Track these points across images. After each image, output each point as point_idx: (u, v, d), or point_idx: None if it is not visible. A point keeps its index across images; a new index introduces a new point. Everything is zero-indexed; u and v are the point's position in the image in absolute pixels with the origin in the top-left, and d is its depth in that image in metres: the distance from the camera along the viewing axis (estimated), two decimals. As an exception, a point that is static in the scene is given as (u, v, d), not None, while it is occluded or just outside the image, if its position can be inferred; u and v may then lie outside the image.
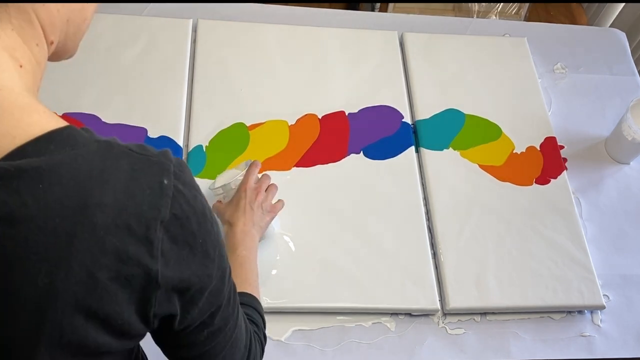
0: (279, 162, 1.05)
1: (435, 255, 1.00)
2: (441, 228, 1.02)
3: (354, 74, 1.18)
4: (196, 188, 0.47)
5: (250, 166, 0.92)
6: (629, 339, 0.99)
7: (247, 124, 1.08)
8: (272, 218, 0.91)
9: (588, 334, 0.98)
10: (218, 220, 0.90)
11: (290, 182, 1.02)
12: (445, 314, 0.96)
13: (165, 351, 0.56)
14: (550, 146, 1.15)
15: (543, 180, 1.11)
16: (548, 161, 1.13)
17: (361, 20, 1.29)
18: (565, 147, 1.18)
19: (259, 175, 0.93)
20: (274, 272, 0.94)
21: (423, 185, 1.07)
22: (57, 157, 0.40)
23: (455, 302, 0.95)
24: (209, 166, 1.03)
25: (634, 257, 1.07)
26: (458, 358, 0.93)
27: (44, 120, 0.42)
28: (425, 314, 0.96)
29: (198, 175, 1.01)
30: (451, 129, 1.14)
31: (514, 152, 1.14)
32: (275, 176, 1.02)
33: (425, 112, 1.15)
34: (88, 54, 1.10)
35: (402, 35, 1.26)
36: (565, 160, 1.16)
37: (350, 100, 1.14)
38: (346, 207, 1.02)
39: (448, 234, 1.01)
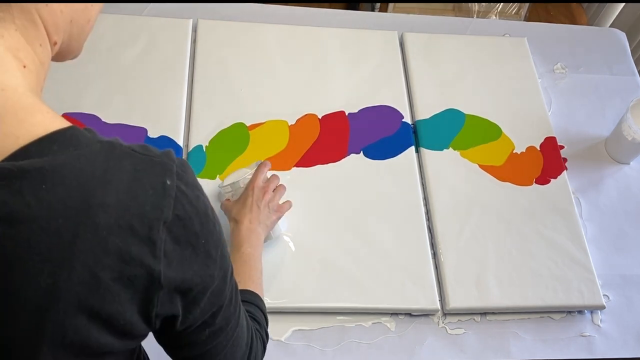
0: (279, 162, 1.05)
1: (435, 255, 1.00)
2: (441, 228, 1.02)
3: (354, 74, 1.18)
4: (199, 188, 0.47)
5: (260, 165, 0.93)
6: (629, 339, 0.99)
7: (247, 124, 1.08)
8: (279, 218, 0.91)
9: (588, 334, 0.98)
10: (226, 217, 0.90)
11: (290, 182, 1.02)
12: (445, 314, 0.96)
13: (167, 350, 0.56)
14: (550, 146, 1.15)
15: (543, 180, 1.11)
16: (548, 161, 1.13)
17: (361, 20, 1.29)
18: (565, 147, 1.18)
19: (269, 175, 0.94)
20: (280, 272, 0.94)
21: (423, 185, 1.07)
22: (60, 157, 0.40)
23: (455, 302, 0.95)
24: (209, 166, 1.03)
25: (634, 257, 1.07)
26: (458, 358, 0.93)
27: (47, 121, 0.42)
28: (425, 314, 0.96)
29: (198, 175, 1.01)
30: (451, 129, 1.14)
31: (514, 152, 1.14)
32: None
33: (425, 112, 1.15)
34: (88, 54, 1.09)
35: (402, 35, 1.26)
36: (565, 160, 1.16)
37: (350, 100, 1.14)
38: (346, 207, 1.02)
39: (448, 234, 1.01)
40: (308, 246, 0.97)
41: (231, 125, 1.08)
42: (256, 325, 0.67)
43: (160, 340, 0.54)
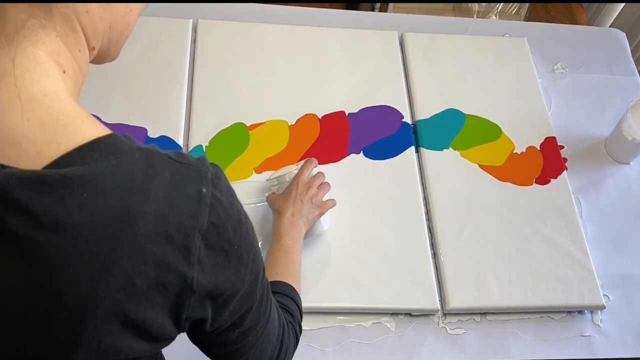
0: (279, 162, 1.05)
1: (435, 255, 1.00)
2: (441, 228, 1.02)
3: (354, 74, 1.18)
4: (232, 194, 0.48)
5: (306, 162, 0.95)
6: (628, 339, 0.99)
7: (247, 124, 1.08)
8: (321, 214, 0.93)
9: (588, 334, 0.98)
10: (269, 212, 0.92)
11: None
12: (445, 314, 0.96)
13: (197, 346, 0.57)
14: (550, 146, 1.15)
15: (543, 180, 1.11)
16: (548, 161, 1.13)
17: (361, 20, 1.29)
18: (565, 147, 1.18)
19: (314, 172, 0.96)
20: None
21: (423, 185, 1.07)
22: (102, 165, 0.41)
23: (455, 302, 0.95)
24: (209, 166, 1.02)
25: (634, 257, 1.07)
26: (458, 358, 0.93)
27: (87, 127, 0.43)
28: (425, 314, 0.96)
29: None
30: (451, 129, 1.14)
31: (514, 152, 1.14)
32: (275, 176, 1.02)
33: (425, 112, 1.15)
34: (88, 54, 1.10)
35: (402, 35, 1.26)
36: (565, 160, 1.16)
37: (350, 100, 1.14)
38: (346, 207, 1.02)
39: (448, 234, 1.01)
40: (308, 246, 0.97)
41: (231, 125, 1.08)
42: (289, 318, 0.68)
43: (190, 338, 0.55)
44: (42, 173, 0.39)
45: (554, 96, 1.25)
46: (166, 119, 1.07)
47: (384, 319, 0.95)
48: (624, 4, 1.82)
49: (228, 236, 0.46)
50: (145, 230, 0.41)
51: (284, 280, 0.77)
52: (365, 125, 1.12)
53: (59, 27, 0.44)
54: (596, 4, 1.92)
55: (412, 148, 1.10)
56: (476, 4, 1.84)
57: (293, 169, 0.96)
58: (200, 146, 1.04)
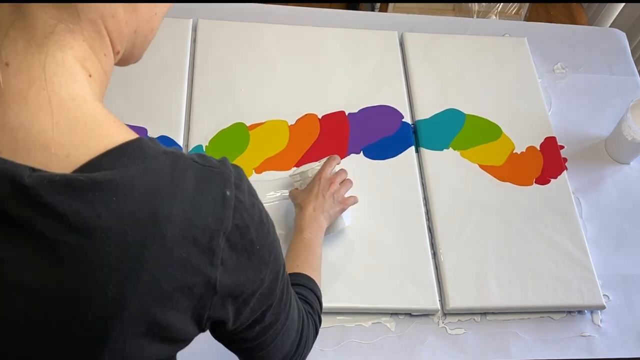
0: (279, 162, 1.05)
1: (435, 255, 1.00)
2: (441, 228, 1.02)
3: (354, 74, 1.18)
4: (254, 194, 0.49)
5: (329, 158, 0.96)
6: (628, 339, 0.99)
7: (247, 124, 1.08)
8: (343, 210, 0.94)
9: (588, 334, 0.98)
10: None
11: (290, 182, 1.02)
12: (445, 314, 0.96)
13: (219, 342, 0.58)
14: (550, 146, 1.15)
15: (543, 180, 1.11)
16: (548, 161, 1.13)
17: (361, 20, 1.29)
18: (565, 147, 1.18)
19: (336, 169, 0.97)
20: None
21: (423, 185, 1.07)
22: (130, 170, 0.42)
23: (455, 302, 0.95)
24: (209, 166, 1.03)
25: (634, 257, 1.07)
26: (458, 358, 0.93)
27: (114, 131, 0.44)
28: (425, 314, 0.96)
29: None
30: (451, 129, 1.14)
31: (514, 152, 1.14)
32: (275, 176, 1.02)
33: (425, 112, 1.15)
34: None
35: (402, 35, 1.26)
36: (565, 160, 1.16)
37: (350, 100, 1.14)
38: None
39: (448, 234, 1.01)
40: (308, 246, 0.97)
41: (231, 125, 1.08)
42: (309, 309, 0.69)
43: (212, 335, 0.55)
44: (72, 177, 0.40)
45: (554, 96, 1.25)
46: (166, 118, 1.07)
47: (384, 319, 0.95)
48: (624, 4, 1.82)
49: (251, 237, 0.47)
50: (172, 234, 0.42)
51: (305, 273, 0.78)
52: (365, 125, 1.12)
53: (86, 31, 0.44)
54: (596, 4, 1.92)
55: (412, 148, 1.10)
56: (476, 4, 1.84)
57: (316, 165, 0.97)
58: (200, 146, 1.04)
